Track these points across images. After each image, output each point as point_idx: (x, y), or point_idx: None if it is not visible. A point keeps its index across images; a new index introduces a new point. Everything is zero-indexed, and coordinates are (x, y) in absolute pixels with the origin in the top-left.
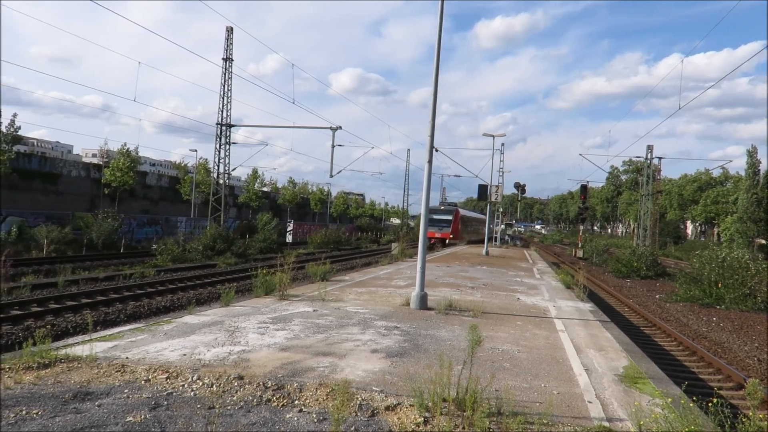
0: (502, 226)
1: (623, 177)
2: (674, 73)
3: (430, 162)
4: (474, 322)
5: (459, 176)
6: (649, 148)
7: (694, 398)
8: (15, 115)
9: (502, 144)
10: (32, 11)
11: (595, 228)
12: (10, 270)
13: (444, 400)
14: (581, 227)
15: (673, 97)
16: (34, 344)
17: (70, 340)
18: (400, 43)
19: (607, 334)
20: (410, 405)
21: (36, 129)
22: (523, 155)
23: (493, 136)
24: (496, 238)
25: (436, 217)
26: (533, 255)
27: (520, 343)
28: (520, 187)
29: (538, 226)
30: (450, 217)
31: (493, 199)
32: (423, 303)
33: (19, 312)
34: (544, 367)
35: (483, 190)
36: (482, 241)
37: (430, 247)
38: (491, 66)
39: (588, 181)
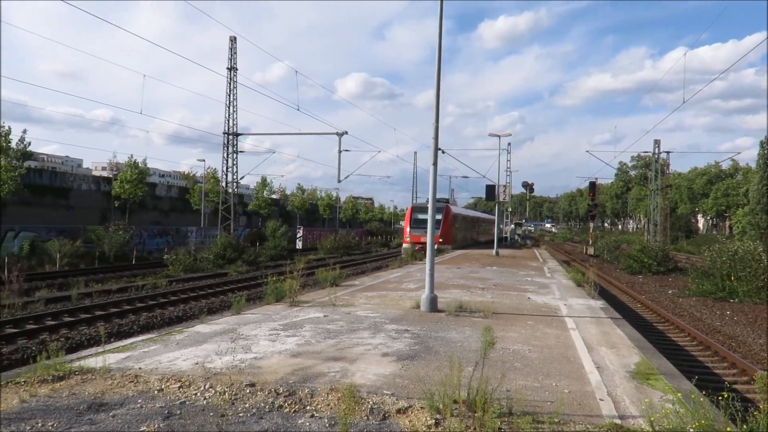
0: (512, 226)
1: (632, 172)
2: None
3: (435, 164)
4: (486, 324)
5: (467, 177)
6: (657, 142)
7: (705, 393)
8: (25, 131)
9: (509, 144)
10: (39, 29)
11: (606, 225)
12: (24, 285)
13: (455, 402)
14: (591, 224)
15: (679, 91)
16: (48, 357)
17: (84, 353)
18: (405, 46)
19: (618, 332)
20: (421, 407)
21: (47, 144)
22: (531, 154)
23: (499, 136)
24: (506, 238)
25: (421, 216)
26: (543, 254)
27: (531, 342)
28: (529, 186)
29: (548, 225)
30: (439, 216)
31: (501, 199)
32: (433, 305)
33: (34, 326)
34: (556, 366)
35: (491, 190)
36: (487, 244)
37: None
38: (496, 66)
39: (596, 178)
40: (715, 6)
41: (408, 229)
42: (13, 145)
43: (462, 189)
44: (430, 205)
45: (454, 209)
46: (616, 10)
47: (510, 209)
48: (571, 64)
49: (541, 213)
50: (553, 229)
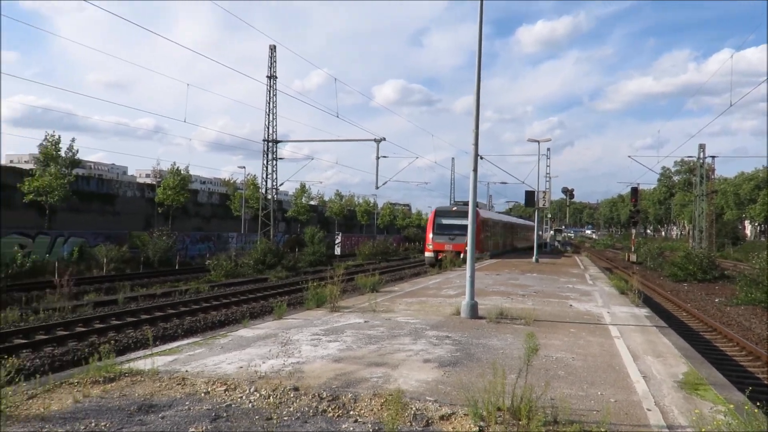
0: (551, 232)
1: (675, 178)
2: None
3: (475, 170)
4: (528, 330)
5: (505, 183)
6: (701, 147)
7: (758, 405)
8: (74, 140)
9: (548, 149)
10: (88, 40)
11: (648, 231)
12: (73, 289)
13: (498, 409)
14: (633, 231)
15: (725, 94)
16: (100, 359)
17: (133, 355)
18: (442, 52)
19: (664, 340)
20: (464, 414)
21: (93, 152)
22: (571, 159)
23: (539, 141)
24: (545, 244)
25: (446, 221)
26: (584, 261)
27: (575, 350)
28: (569, 192)
29: (588, 231)
30: (466, 221)
31: (540, 205)
32: (474, 312)
33: (83, 329)
34: (600, 375)
35: (530, 196)
36: (525, 251)
37: (438, 264)
38: (534, 70)
39: (638, 184)
40: (761, 6)
41: (430, 236)
42: (62, 153)
43: (500, 195)
44: (470, 211)
45: (485, 213)
46: (658, 11)
47: (549, 215)
48: (612, 68)
49: (581, 219)
50: (594, 236)
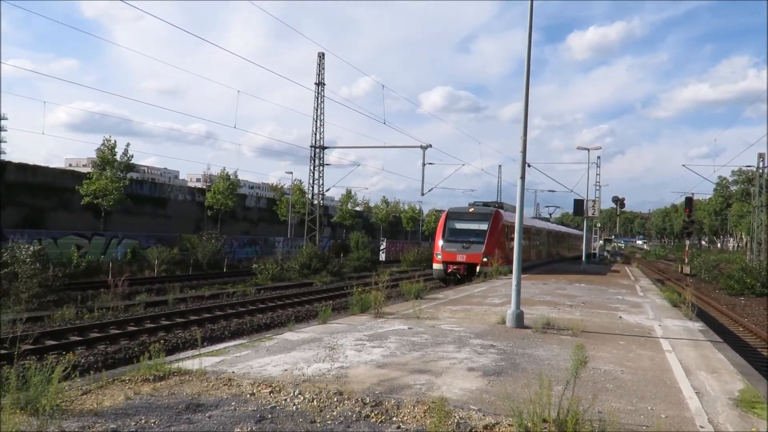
0: (601, 242)
1: (733, 188)
2: None
3: (522, 178)
4: (577, 342)
5: (553, 191)
6: (761, 156)
7: None
8: (128, 145)
9: (598, 157)
10: (144, 49)
11: (703, 243)
12: (126, 289)
13: (544, 421)
14: (687, 242)
15: None
16: (150, 358)
17: (181, 355)
18: (490, 59)
19: (719, 356)
20: (509, 425)
21: (146, 156)
22: (622, 168)
23: (588, 149)
24: (595, 254)
25: (459, 225)
26: (635, 271)
27: (624, 363)
28: (619, 201)
29: (639, 242)
30: (484, 226)
31: (589, 214)
32: (519, 321)
33: (134, 328)
34: (651, 389)
35: (579, 205)
36: (573, 261)
37: (447, 280)
38: (585, 77)
39: (693, 193)
40: None
41: (440, 243)
42: (118, 157)
43: (548, 203)
44: (516, 221)
45: (508, 215)
46: (716, 17)
47: (599, 225)
48: (666, 75)
49: (632, 229)
50: (645, 246)
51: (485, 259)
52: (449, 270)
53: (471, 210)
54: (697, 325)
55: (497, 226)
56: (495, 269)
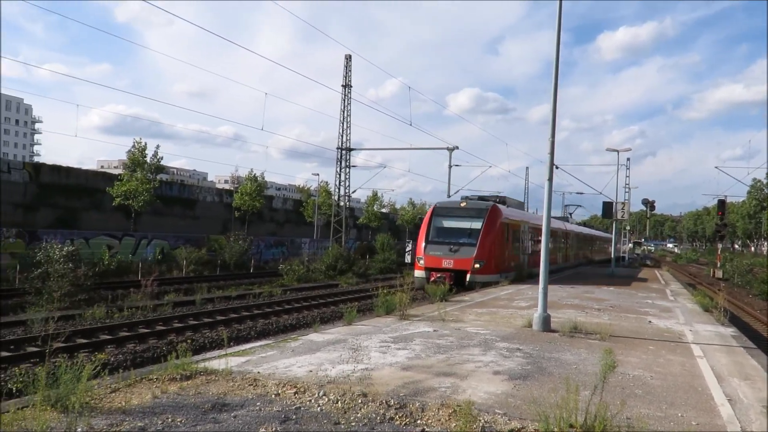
0: (630, 245)
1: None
2: None
3: (550, 180)
4: (605, 346)
5: (581, 193)
6: None
7: None
8: (158, 147)
9: (628, 159)
10: (174, 52)
11: (736, 246)
12: (155, 289)
13: (571, 426)
14: (719, 245)
15: None
16: (177, 357)
17: (208, 354)
18: (518, 60)
19: (753, 362)
20: (535, 430)
21: (176, 158)
22: (653, 170)
23: (618, 151)
24: (624, 257)
25: (447, 224)
26: (665, 275)
27: (653, 368)
28: (649, 204)
29: (670, 245)
30: (477, 225)
31: (619, 217)
32: (546, 325)
33: (162, 327)
34: (681, 396)
35: (608, 207)
36: (601, 264)
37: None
38: (615, 78)
39: (726, 196)
40: None
41: (423, 246)
42: (148, 159)
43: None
44: (544, 224)
45: (508, 211)
46: (752, 17)
47: (628, 227)
48: (698, 75)
49: (662, 232)
50: (676, 250)
51: (477, 265)
52: (432, 278)
53: (463, 204)
54: (730, 331)
55: (494, 224)
56: (485, 280)
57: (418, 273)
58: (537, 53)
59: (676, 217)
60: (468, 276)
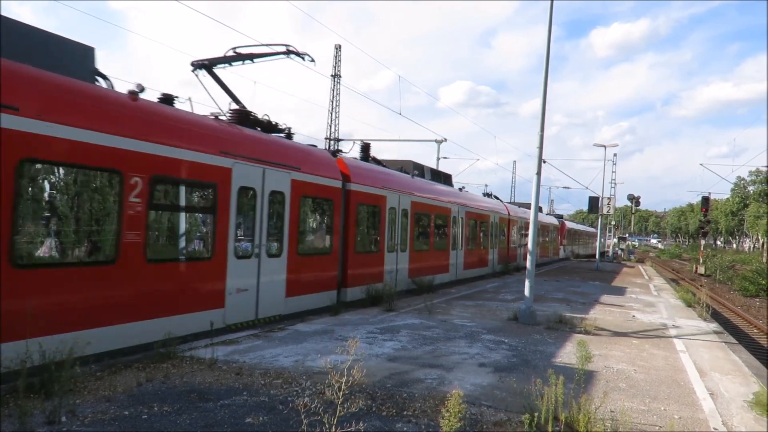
0: (615, 240)
1: (750, 188)
2: None
3: (538, 174)
4: (583, 339)
5: (568, 188)
6: None
7: None
8: None
9: (614, 154)
10: (165, 38)
11: (719, 243)
12: None
13: (555, 419)
14: (702, 242)
15: None
16: (163, 345)
17: (195, 344)
18: (511, 54)
19: (734, 357)
20: (519, 422)
21: None
22: (641, 166)
23: (605, 146)
24: (607, 252)
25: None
26: (649, 270)
27: (637, 362)
28: (634, 199)
29: (654, 240)
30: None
31: (604, 212)
32: (532, 318)
33: None
34: (664, 389)
35: (594, 202)
36: (586, 259)
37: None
38: (606, 74)
39: (710, 193)
40: None
41: None
42: None
43: (563, 200)
44: (531, 218)
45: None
46: (744, 15)
47: (613, 223)
48: (689, 73)
49: (646, 228)
50: (660, 245)
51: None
52: None
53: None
54: (712, 326)
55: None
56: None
57: None
58: (530, 47)
59: (660, 213)
60: None
